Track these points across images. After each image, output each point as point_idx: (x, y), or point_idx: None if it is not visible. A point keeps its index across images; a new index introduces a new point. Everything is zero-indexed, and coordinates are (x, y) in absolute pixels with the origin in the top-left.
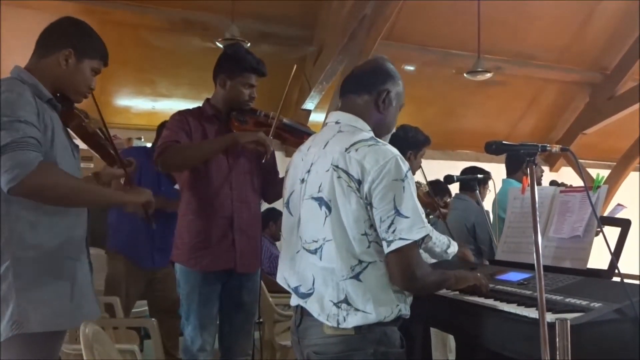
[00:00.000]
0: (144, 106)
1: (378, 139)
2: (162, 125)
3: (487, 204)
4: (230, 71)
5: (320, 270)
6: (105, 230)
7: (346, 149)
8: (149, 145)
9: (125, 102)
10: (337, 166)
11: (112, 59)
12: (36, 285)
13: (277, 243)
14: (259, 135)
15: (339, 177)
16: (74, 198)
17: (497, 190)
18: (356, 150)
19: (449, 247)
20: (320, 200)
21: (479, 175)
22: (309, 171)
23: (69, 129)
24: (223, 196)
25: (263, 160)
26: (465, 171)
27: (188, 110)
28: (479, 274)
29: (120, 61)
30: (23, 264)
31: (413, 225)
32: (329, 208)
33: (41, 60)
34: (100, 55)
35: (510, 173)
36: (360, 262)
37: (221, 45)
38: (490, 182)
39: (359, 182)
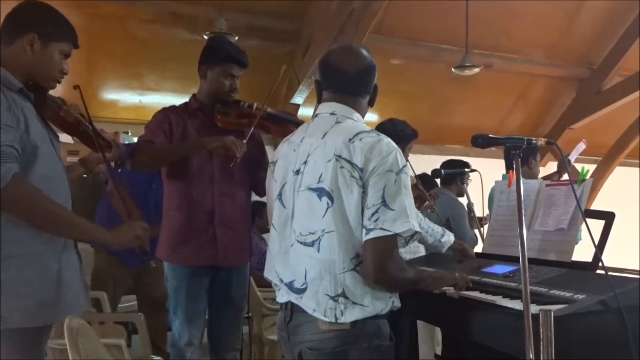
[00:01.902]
0: (131, 100)
1: (379, 132)
2: None
3: (472, 193)
4: (211, 61)
5: (316, 263)
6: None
7: (350, 139)
8: (136, 140)
9: (112, 96)
10: (339, 156)
11: (99, 52)
12: (20, 279)
13: (265, 236)
14: (225, 140)
15: (341, 167)
16: (49, 224)
17: (489, 186)
18: (360, 139)
19: (442, 236)
20: (320, 191)
21: (466, 169)
22: (305, 162)
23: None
24: (204, 190)
25: (231, 165)
26: (444, 165)
27: (173, 107)
28: (457, 274)
29: (107, 54)
30: (6, 258)
31: (397, 218)
32: (331, 199)
33: (6, 49)
34: (68, 36)
35: (509, 169)
36: (358, 254)
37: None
38: (476, 175)
39: (362, 170)
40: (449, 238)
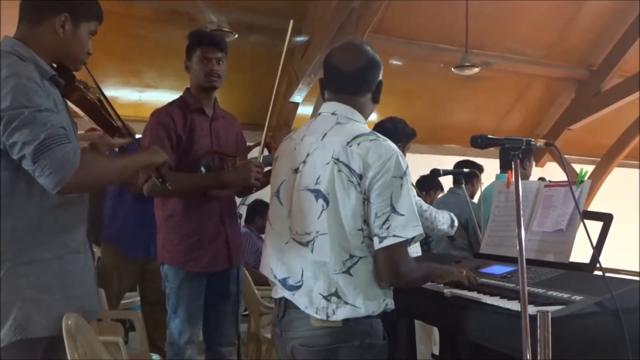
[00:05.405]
0: (131, 97)
1: (378, 134)
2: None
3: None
4: (190, 53)
5: (311, 263)
6: (98, 220)
7: (348, 143)
8: (137, 136)
9: (111, 93)
10: (338, 159)
11: (97, 49)
12: (41, 287)
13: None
14: (251, 177)
15: (339, 170)
16: (116, 178)
17: (486, 185)
18: (358, 144)
19: (453, 221)
20: (317, 193)
21: (465, 170)
22: (304, 162)
23: (69, 103)
24: (211, 194)
25: (254, 190)
26: (458, 165)
27: (172, 107)
28: (465, 272)
29: (106, 51)
30: (27, 264)
31: (408, 223)
32: (326, 201)
33: (33, 29)
34: (97, 15)
35: (504, 168)
36: (352, 256)
37: None
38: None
39: (360, 177)
40: (456, 221)
